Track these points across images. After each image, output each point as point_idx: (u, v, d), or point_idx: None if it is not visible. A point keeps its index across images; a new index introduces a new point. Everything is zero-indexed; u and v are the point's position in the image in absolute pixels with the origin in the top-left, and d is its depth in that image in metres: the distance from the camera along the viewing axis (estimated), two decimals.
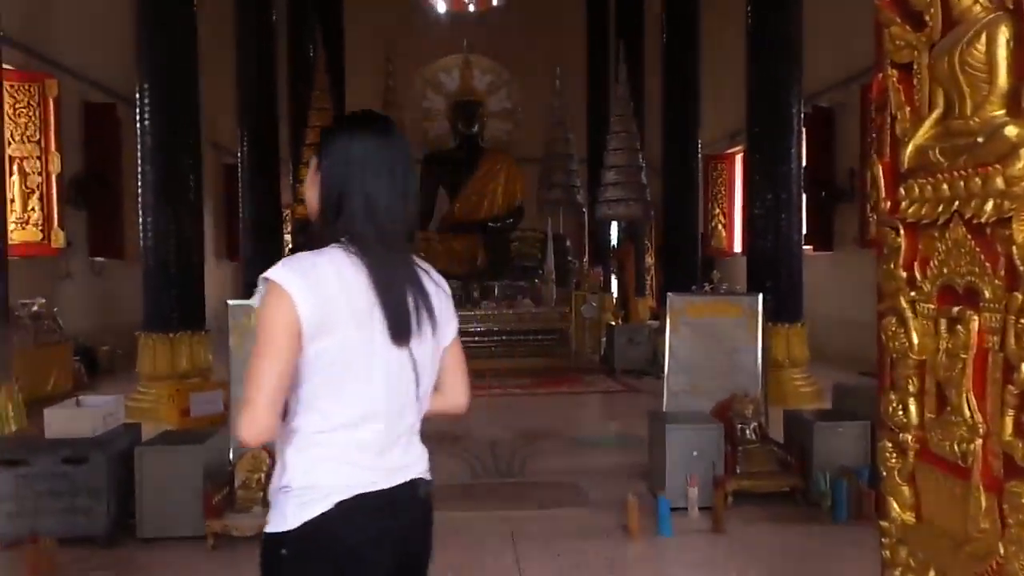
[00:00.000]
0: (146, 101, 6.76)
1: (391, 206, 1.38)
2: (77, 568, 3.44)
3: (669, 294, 5.03)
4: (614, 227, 12.43)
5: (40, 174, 9.17)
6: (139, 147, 6.83)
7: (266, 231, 10.32)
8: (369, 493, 1.35)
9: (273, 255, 10.44)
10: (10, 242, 9.04)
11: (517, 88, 12.17)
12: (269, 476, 3.74)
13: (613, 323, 9.94)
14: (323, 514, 1.32)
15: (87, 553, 3.59)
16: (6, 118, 8.96)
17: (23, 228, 9.17)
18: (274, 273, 1.30)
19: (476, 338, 9.89)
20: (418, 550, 1.49)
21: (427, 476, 1.48)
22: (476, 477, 4.85)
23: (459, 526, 3.86)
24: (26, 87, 9.02)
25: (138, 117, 6.82)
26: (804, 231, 7.35)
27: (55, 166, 9.21)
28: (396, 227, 1.39)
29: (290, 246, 10.43)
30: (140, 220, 6.88)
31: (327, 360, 1.32)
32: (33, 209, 9.17)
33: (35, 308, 7.95)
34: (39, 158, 9.13)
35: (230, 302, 4.46)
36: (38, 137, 9.11)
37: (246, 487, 3.69)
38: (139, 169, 6.85)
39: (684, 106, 10.09)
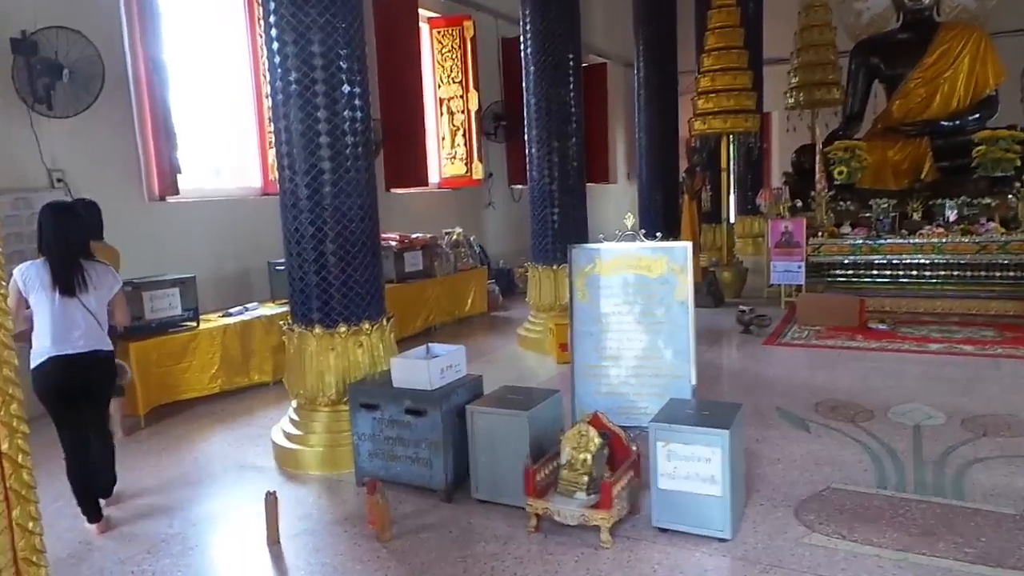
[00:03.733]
0: (527, 29, 6.59)
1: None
2: (413, 523, 3.41)
3: None
4: None
5: (462, 112, 9.99)
6: (523, 77, 6.74)
7: (662, 150, 9.67)
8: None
9: (669, 175, 9.78)
10: (442, 176, 10.22)
11: None
12: (597, 458, 3.21)
13: None
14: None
15: (427, 506, 3.57)
16: (435, 64, 9.96)
17: (452, 163, 10.20)
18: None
19: (913, 272, 7.83)
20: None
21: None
22: (883, 484, 3.57)
23: (842, 565, 2.79)
24: (449, 32, 9.80)
25: (521, 46, 6.70)
26: None
27: (473, 104, 9.93)
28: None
29: (685, 166, 9.59)
30: (527, 152, 6.86)
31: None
32: (459, 145, 10.10)
33: (455, 236, 8.75)
34: (461, 97, 9.94)
35: (572, 246, 3.95)
36: (460, 78, 9.89)
37: (571, 467, 3.20)
38: (524, 100, 6.79)
39: None
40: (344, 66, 4.02)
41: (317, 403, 4.17)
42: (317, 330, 4.10)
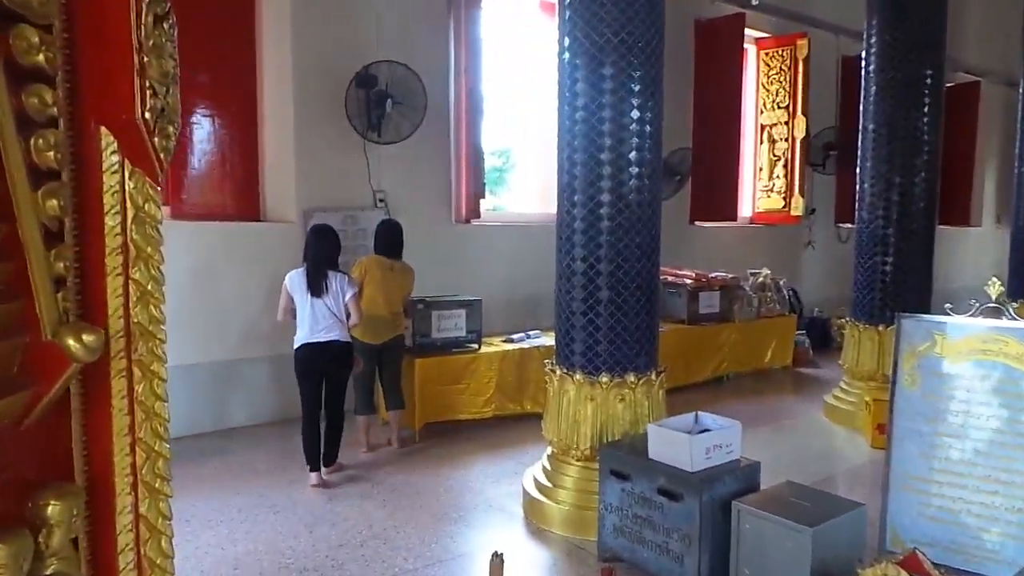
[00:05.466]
0: (871, 43, 5.53)
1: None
2: None
3: None
4: None
5: (786, 140, 8.97)
6: (861, 97, 5.68)
7: None
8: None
9: None
10: (755, 210, 9.31)
11: None
12: None
13: None
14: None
15: None
16: (759, 87, 9.13)
17: (767, 196, 9.23)
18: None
19: None
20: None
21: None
22: None
23: None
24: (778, 52, 8.88)
25: (863, 63, 5.65)
26: None
27: (800, 131, 8.85)
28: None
29: None
30: (857, 186, 5.77)
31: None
32: (777, 176, 9.09)
33: (760, 278, 7.82)
34: (786, 123, 8.93)
35: (903, 315, 3.01)
36: (787, 102, 8.89)
37: None
38: (860, 125, 5.71)
39: None
40: (635, 89, 3.63)
41: (569, 455, 3.81)
42: (578, 376, 3.75)
